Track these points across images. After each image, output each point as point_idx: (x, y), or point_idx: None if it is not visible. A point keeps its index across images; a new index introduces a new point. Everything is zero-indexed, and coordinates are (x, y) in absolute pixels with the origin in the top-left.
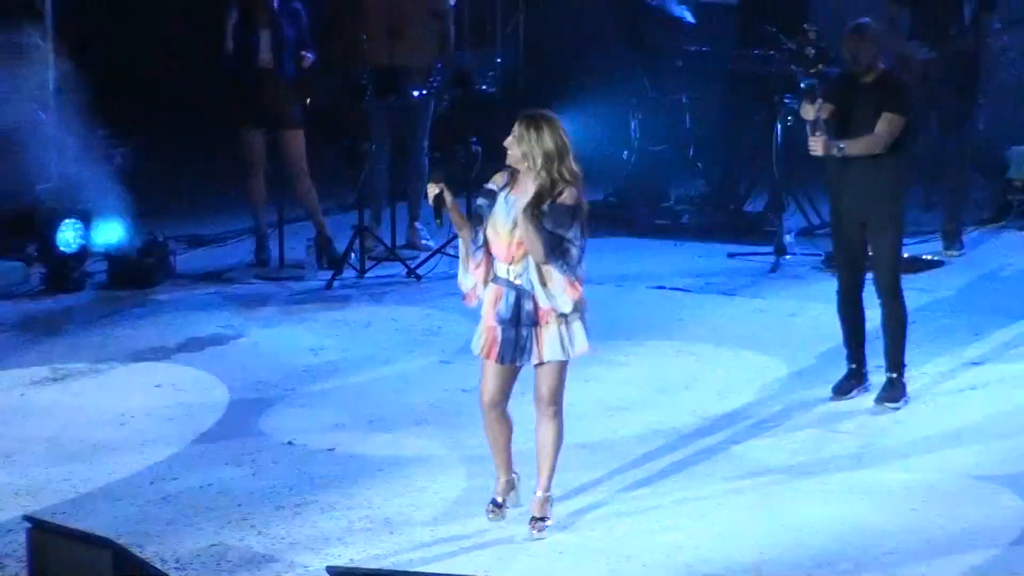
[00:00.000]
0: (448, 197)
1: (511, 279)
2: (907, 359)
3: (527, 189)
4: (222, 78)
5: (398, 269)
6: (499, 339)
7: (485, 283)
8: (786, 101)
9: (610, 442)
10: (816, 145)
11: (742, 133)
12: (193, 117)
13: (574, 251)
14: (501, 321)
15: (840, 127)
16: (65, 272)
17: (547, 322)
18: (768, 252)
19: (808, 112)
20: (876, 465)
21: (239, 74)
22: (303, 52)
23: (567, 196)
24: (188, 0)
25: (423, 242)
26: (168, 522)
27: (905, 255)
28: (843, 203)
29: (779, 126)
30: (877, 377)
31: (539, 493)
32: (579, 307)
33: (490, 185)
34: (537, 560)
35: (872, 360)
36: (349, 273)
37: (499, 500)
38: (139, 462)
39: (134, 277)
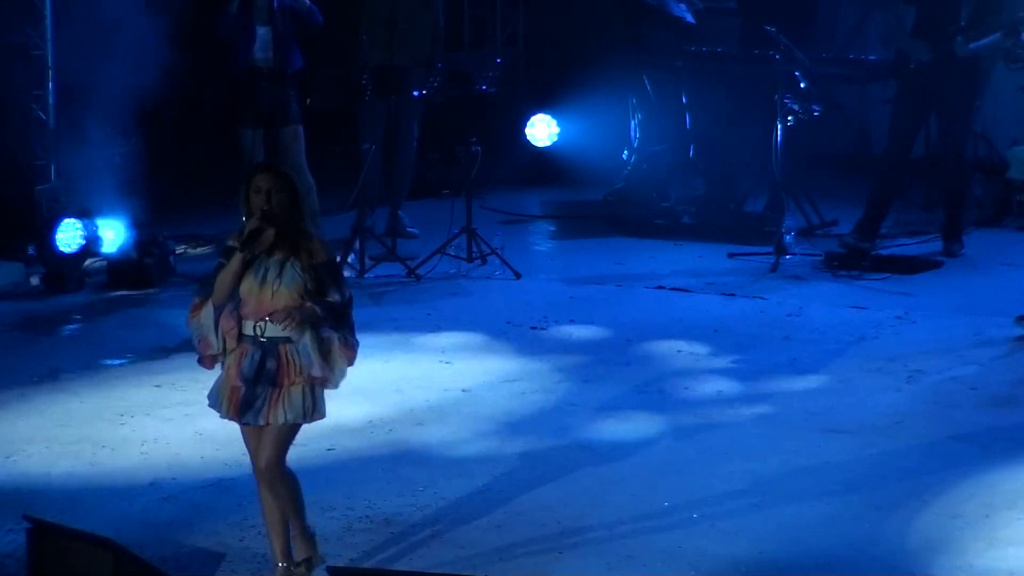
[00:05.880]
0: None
1: (257, 336)
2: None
3: (276, 244)
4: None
5: (398, 269)
6: (241, 399)
7: (236, 342)
8: (786, 101)
9: (609, 442)
10: None
11: (742, 133)
12: (193, 116)
13: (350, 311)
14: (244, 380)
15: None
16: (65, 272)
17: (292, 383)
18: (768, 252)
19: None
20: (875, 465)
21: (238, 71)
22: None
23: (319, 250)
24: None
25: (408, 229)
26: (168, 522)
27: (905, 255)
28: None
29: (779, 126)
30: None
31: (298, 535)
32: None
33: (231, 243)
34: (536, 560)
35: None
36: (349, 273)
37: None
38: (139, 462)
39: (134, 277)
